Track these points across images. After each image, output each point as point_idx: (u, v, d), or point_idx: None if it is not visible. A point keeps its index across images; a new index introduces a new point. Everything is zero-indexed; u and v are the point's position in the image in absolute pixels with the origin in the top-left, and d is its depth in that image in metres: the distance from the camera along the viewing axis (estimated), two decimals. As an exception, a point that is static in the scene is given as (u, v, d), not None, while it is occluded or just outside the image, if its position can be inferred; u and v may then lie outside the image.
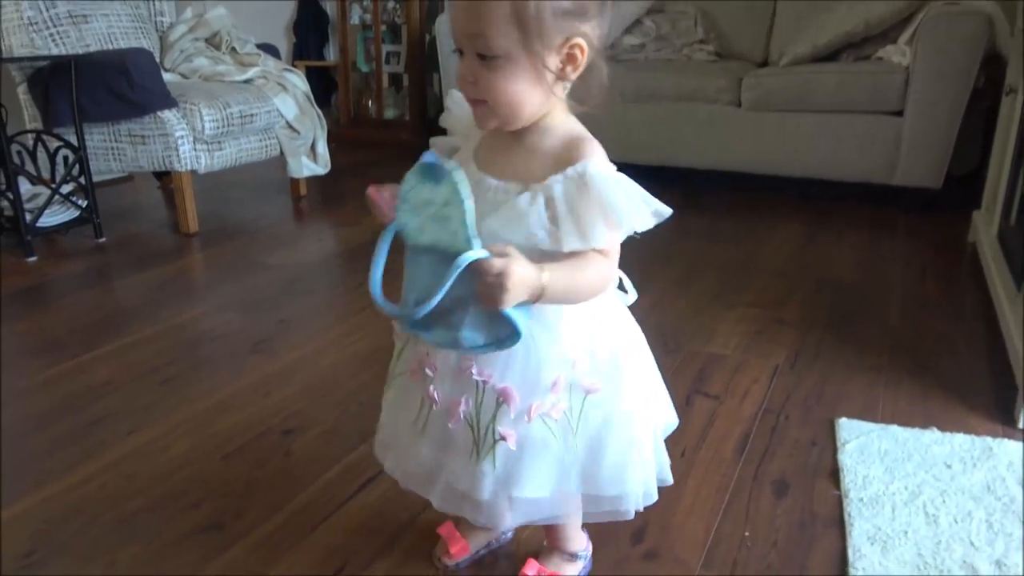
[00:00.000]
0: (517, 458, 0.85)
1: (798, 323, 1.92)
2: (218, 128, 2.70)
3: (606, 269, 0.81)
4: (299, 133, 3.09)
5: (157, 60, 2.77)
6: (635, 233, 0.78)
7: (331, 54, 5.08)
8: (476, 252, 0.71)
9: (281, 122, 3.02)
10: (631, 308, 0.95)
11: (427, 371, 0.88)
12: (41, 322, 1.99)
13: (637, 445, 0.90)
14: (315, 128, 3.18)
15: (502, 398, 0.84)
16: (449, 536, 1.08)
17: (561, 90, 0.80)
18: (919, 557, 1.08)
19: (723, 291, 2.14)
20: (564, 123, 0.83)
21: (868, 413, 1.48)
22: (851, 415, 1.46)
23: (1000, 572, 1.06)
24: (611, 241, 0.77)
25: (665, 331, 1.86)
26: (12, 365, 1.72)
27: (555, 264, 0.77)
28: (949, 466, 1.30)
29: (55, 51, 2.69)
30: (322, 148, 3.24)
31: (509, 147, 0.83)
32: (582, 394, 0.86)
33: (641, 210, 0.77)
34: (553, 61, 0.77)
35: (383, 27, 4.45)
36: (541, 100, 0.79)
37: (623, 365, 0.89)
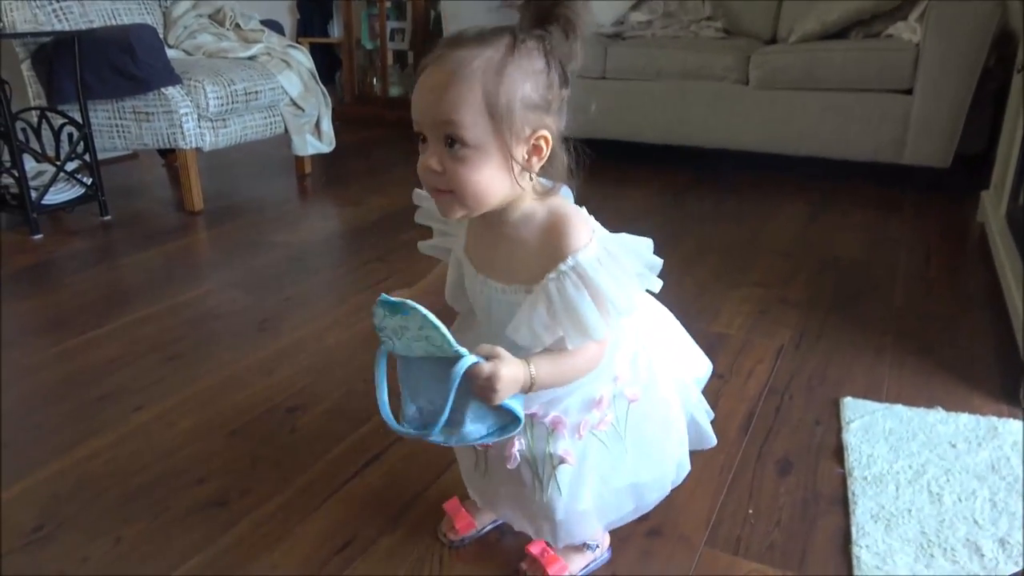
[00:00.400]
0: (577, 476, 0.90)
1: (803, 303, 1.91)
2: (222, 105, 2.69)
3: (595, 350, 0.83)
4: (303, 111, 3.08)
5: (160, 36, 2.76)
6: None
7: (335, 31, 5.05)
8: (468, 360, 0.76)
9: (285, 99, 3.00)
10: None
11: None
12: (47, 300, 1.99)
13: (674, 427, 0.97)
14: (319, 106, 3.17)
15: (553, 426, 0.88)
16: (455, 512, 1.09)
17: (526, 180, 0.80)
18: (923, 535, 1.08)
19: (728, 270, 2.13)
20: (541, 205, 0.83)
21: (872, 393, 1.48)
22: (855, 395, 1.46)
23: (1003, 550, 1.06)
24: (601, 335, 0.80)
25: (670, 310, 1.85)
26: (19, 342, 1.73)
27: (542, 356, 0.80)
28: (954, 445, 1.30)
29: (58, 27, 2.67)
30: (326, 126, 3.22)
31: (497, 243, 0.85)
32: (626, 403, 0.91)
33: (636, 283, 0.81)
34: (520, 152, 0.77)
35: (388, 4, 4.42)
36: (508, 188, 0.79)
37: (656, 361, 0.94)
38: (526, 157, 0.78)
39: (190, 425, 1.38)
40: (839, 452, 1.29)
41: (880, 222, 2.59)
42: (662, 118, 3.23)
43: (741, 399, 1.47)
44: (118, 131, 2.68)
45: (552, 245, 0.80)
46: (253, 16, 3.26)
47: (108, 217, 2.65)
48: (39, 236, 2.45)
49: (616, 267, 0.79)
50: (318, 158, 3.35)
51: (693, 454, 1.03)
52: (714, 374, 1.53)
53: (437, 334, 0.75)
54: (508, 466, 0.91)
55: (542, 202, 0.83)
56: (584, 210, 0.84)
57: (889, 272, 2.12)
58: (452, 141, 0.75)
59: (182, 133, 2.63)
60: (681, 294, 1.96)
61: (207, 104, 2.64)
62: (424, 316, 0.74)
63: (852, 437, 1.32)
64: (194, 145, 2.67)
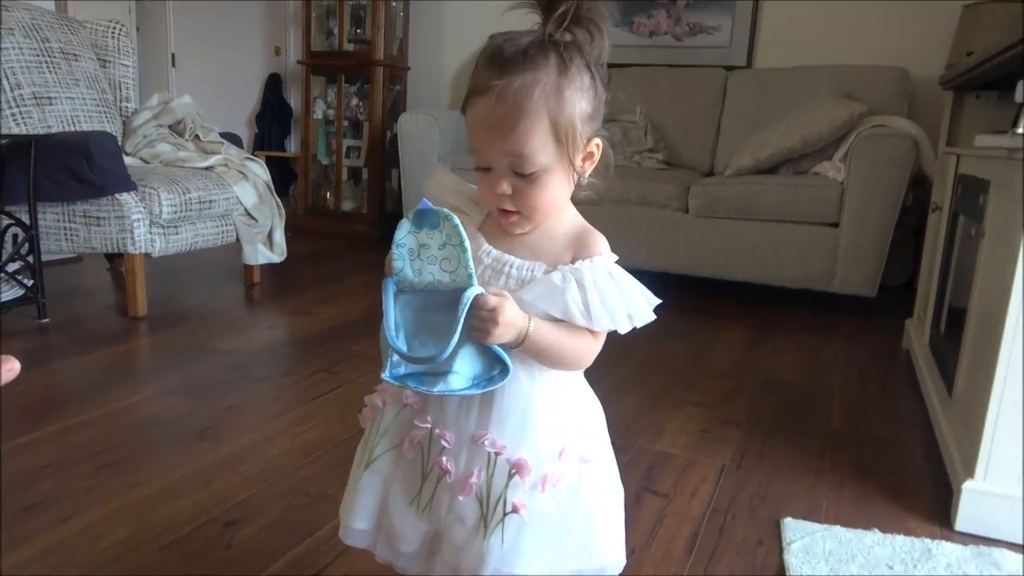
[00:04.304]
0: (523, 532, 0.84)
1: (744, 423, 1.96)
2: (176, 212, 2.71)
3: (591, 347, 0.86)
4: (257, 221, 3.11)
5: (119, 144, 2.80)
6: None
7: (292, 146, 5.18)
8: (477, 288, 0.76)
9: (239, 209, 3.04)
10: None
11: (443, 443, 0.86)
12: (-26, 403, 1.91)
13: (620, 513, 0.95)
14: (273, 217, 3.21)
15: (515, 470, 0.84)
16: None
17: (579, 181, 0.87)
18: (864, 659, 1.09)
19: (671, 390, 2.18)
20: (571, 209, 0.90)
21: (812, 513, 1.51)
22: (796, 515, 1.49)
23: (942, 675, 1.07)
24: (624, 328, 0.83)
25: (615, 428, 1.86)
26: (-60, 447, 1.65)
27: (543, 321, 0.82)
28: (891, 567, 1.32)
29: (16, 131, 2.69)
30: (279, 237, 3.26)
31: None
32: (579, 464, 0.88)
33: (647, 306, 0.85)
34: (578, 160, 0.84)
35: (345, 123, 4.57)
36: (568, 195, 0.87)
37: (606, 435, 0.95)
38: (582, 164, 0.84)
39: (121, 537, 1.32)
40: (781, 573, 1.30)
41: (816, 347, 2.70)
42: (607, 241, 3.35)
43: (685, 518, 1.48)
44: (66, 234, 2.66)
45: (580, 244, 0.85)
46: (213, 128, 3.34)
47: (46, 320, 2.59)
48: (-29, 337, 2.38)
49: (636, 282, 0.85)
50: (269, 268, 3.36)
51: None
52: (658, 493, 1.57)
53: (458, 253, 0.75)
54: (460, 496, 0.84)
55: (571, 207, 0.89)
56: None
57: (826, 395, 2.20)
58: (525, 171, 0.80)
59: (132, 238, 2.62)
60: (624, 412, 1.99)
61: (160, 211, 2.66)
62: (455, 227, 0.75)
63: (793, 558, 1.34)
64: (143, 250, 2.66)
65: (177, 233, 2.78)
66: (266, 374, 2.24)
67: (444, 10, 4.61)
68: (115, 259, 3.39)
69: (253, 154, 4.09)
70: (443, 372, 0.79)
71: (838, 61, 3.63)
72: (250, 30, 5.22)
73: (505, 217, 0.85)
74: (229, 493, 1.49)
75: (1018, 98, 1.49)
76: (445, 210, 0.77)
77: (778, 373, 2.39)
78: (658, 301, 0.85)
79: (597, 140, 0.84)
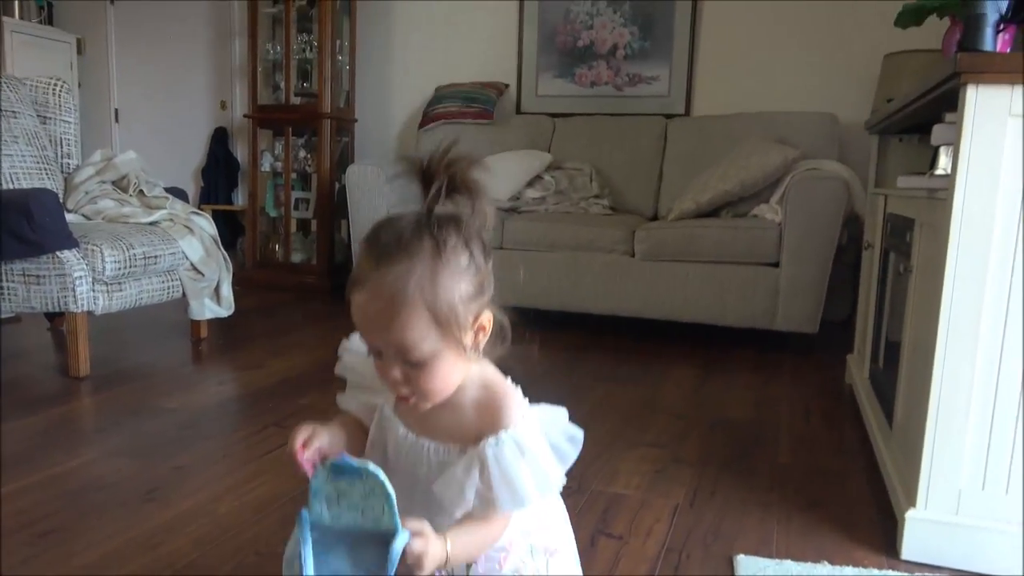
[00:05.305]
0: None
1: (696, 462, 1.99)
2: (120, 269, 2.67)
3: (507, 520, 0.86)
4: (204, 275, 3.08)
5: (61, 201, 2.75)
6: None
7: (239, 199, 5.15)
8: (404, 537, 0.75)
9: (185, 264, 3.00)
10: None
11: None
12: (-96, 473, 1.83)
13: None
14: (220, 270, 3.18)
15: None
16: None
17: (475, 355, 0.86)
18: None
19: (624, 431, 2.20)
20: (479, 372, 0.88)
21: (763, 548, 1.53)
22: (748, 551, 1.51)
23: None
24: (532, 504, 0.82)
25: (569, 472, 1.88)
26: None
27: (460, 530, 0.81)
28: (841, 598, 1.35)
29: (-49, 190, 2.63)
30: (226, 290, 3.22)
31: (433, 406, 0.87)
32: (544, 557, 0.88)
33: (560, 471, 0.84)
34: (468, 338, 0.83)
35: (293, 175, 4.57)
36: (464, 371, 0.85)
37: (568, 529, 0.95)
38: (474, 339, 0.83)
39: (62, 608, 1.28)
40: (736, 609, 1.32)
41: (762, 383, 2.76)
42: (556, 287, 3.41)
43: (640, 559, 1.48)
44: (3, 294, 2.59)
45: (490, 415, 0.84)
46: (157, 183, 3.31)
47: (-18, 383, 2.51)
48: (-99, 404, 2.28)
49: (545, 445, 0.83)
50: (216, 322, 3.31)
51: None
52: (613, 535, 1.57)
53: (383, 506, 0.74)
54: None
55: (480, 368, 0.87)
56: (518, 388, 0.88)
57: (773, 430, 2.25)
58: (412, 361, 0.79)
59: (74, 296, 2.57)
60: (580, 456, 2.00)
61: (103, 267, 2.61)
62: (382, 484, 0.73)
63: (747, 594, 1.36)
64: (86, 309, 2.60)
65: (121, 290, 2.73)
66: (215, 431, 2.20)
67: (390, 63, 4.68)
68: (56, 318, 3.30)
69: (199, 208, 4.06)
70: None
71: (771, 108, 3.79)
72: (195, 85, 5.21)
73: (403, 401, 0.85)
74: (176, 556, 1.45)
75: (934, 141, 1.59)
76: (369, 465, 0.76)
77: (727, 410, 2.44)
78: (573, 459, 0.87)
79: (487, 315, 0.84)
